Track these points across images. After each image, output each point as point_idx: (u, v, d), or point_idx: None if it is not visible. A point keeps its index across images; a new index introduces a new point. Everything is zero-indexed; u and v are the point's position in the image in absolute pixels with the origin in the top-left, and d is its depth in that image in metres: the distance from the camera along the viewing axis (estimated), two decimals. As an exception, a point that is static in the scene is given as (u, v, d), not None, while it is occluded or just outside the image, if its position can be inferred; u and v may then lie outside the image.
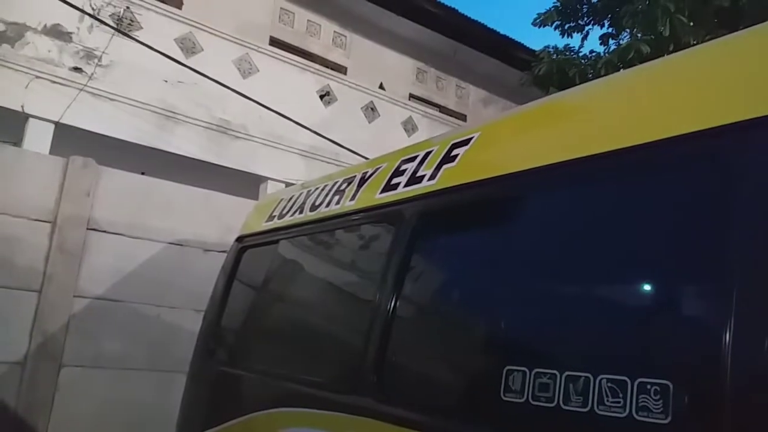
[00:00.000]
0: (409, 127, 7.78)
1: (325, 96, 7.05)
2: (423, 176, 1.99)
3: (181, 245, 3.85)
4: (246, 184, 6.13)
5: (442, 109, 9.08)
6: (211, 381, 2.93)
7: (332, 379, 2.10)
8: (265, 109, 5.43)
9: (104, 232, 3.60)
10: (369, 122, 7.38)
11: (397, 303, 1.89)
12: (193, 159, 5.53)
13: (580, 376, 1.27)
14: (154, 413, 3.55)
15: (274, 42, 7.46)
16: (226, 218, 3.80)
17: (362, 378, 1.88)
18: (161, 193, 3.92)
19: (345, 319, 2.32)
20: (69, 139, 4.69)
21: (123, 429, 3.49)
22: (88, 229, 3.52)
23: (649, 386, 1.14)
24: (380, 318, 1.91)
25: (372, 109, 7.44)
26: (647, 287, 1.35)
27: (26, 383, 3.23)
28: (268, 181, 6.29)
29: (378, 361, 1.85)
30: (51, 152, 4.46)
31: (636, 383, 1.16)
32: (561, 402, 1.29)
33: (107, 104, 4.98)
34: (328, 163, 6.40)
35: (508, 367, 1.43)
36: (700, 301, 1.25)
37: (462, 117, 9.21)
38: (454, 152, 1.92)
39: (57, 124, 4.75)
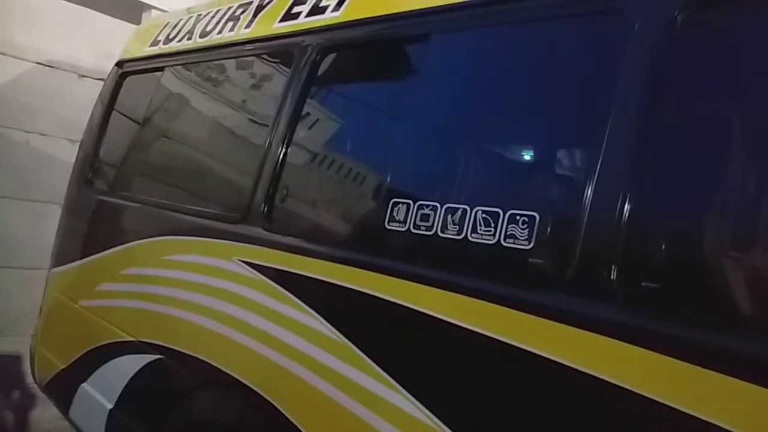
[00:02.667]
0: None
1: None
2: (326, 7, 1.89)
3: (52, 67, 3.47)
4: (125, 10, 5.50)
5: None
6: (90, 211, 2.82)
7: (221, 210, 2.10)
8: None
9: (-43, 42, 3.15)
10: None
11: (291, 136, 1.88)
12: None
13: (458, 208, 1.36)
14: (25, 242, 3.41)
15: None
16: (106, 44, 3.44)
17: (252, 208, 1.91)
18: (24, 4, 3.43)
19: (236, 152, 2.28)
20: None
21: (-7, 257, 3.34)
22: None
23: (518, 217, 1.26)
24: (273, 150, 1.90)
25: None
26: (526, 130, 1.43)
27: None
28: (152, 10, 5.67)
29: (268, 192, 1.87)
30: None
31: (507, 214, 1.28)
32: (439, 230, 1.39)
33: None
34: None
35: (394, 200, 1.51)
36: (570, 147, 1.36)
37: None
38: (362, -18, 1.83)
39: None
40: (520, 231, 1.25)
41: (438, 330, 1.32)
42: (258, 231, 1.87)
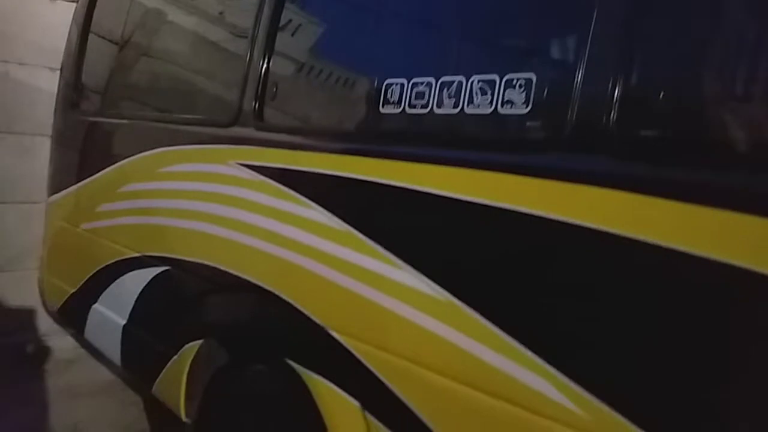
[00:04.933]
0: None
1: None
2: None
3: (21, -9, 3.32)
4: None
5: None
6: (80, 135, 2.78)
7: (212, 115, 2.07)
8: None
9: None
10: None
11: (276, 29, 1.82)
12: None
13: (454, 81, 1.33)
14: (18, 177, 3.38)
15: None
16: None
17: (242, 109, 1.87)
18: None
19: (220, 54, 2.21)
20: None
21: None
22: None
23: (515, 81, 1.23)
24: (258, 46, 1.84)
25: None
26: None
27: None
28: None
29: (257, 91, 1.83)
30: None
31: (504, 80, 1.25)
32: (435, 107, 1.37)
33: None
34: None
35: (387, 81, 1.47)
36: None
37: None
38: None
39: None
40: (518, 95, 1.22)
41: (441, 206, 1.32)
42: (250, 131, 1.84)
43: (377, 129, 1.53)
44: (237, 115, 1.88)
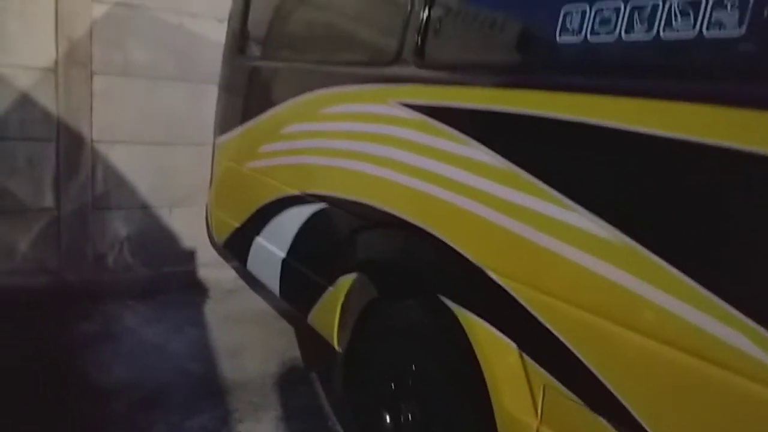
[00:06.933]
0: None
1: None
2: None
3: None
4: None
5: None
6: (245, 79, 2.96)
7: (372, 55, 2.08)
8: None
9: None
10: None
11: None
12: None
13: (647, 2, 1.21)
14: (189, 120, 3.68)
15: None
16: None
17: (404, 47, 1.86)
18: None
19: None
20: None
21: (164, 133, 3.65)
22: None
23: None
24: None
25: None
26: None
27: (62, 89, 3.28)
28: None
29: (420, 29, 1.81)
30: None
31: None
32: (623, 32, 1.25)
33: None
34: None
35: (565, 9, 1.37)
36: None
37: None
38: None
39: None
40: (729, 15, 1.08)
41: (628, 142, 1.22)
42: (411, 69, 1.83)
43: (553, 59, 1.44)
44: (398, 54, 1.88)
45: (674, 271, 1.11)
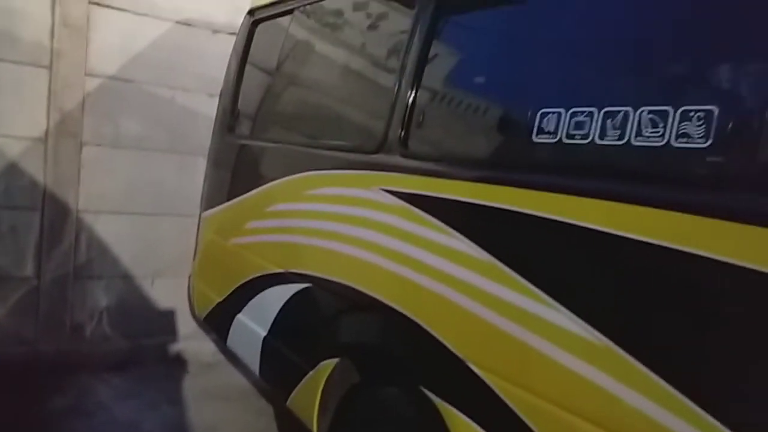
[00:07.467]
0: None
1: None
2: None
3: (189, 25, 3.67)
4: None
5: None
6: (234, 156, 3.00)
7: (358, 142, 2.13)
8: None
9: (107, 7, 3.42)
10: None
11: (424, 61, 1.85)
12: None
13: (619, 111, 1.26)
14: (176, 192, 3.71)
15: None
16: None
17: (389, 137, 1.91)
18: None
19: (369, 85, 2.29)
20: None
21: (150, 204, 3.66)
22: (89, 2, 3.33)
23: (692, 113, 1.14)
24: (406, 76, 1.88)
25: None
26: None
27: (51, 159, 3.31)
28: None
29: (404, 119, 1.87)
30: None
31: (679, 111, 1.16)
32: (596, 137, 1.30)
33: None
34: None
35: (542, 110, 1.43)
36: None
37: None
38: None
39: None
40: (695, 128, 1.13)
41: (601, 242, 1.25)
42: (396, 159, 1.87)
43: (531, 157, 1.49)
44: (382, 143, 1.93)
45: (658, 378, 1.11)
